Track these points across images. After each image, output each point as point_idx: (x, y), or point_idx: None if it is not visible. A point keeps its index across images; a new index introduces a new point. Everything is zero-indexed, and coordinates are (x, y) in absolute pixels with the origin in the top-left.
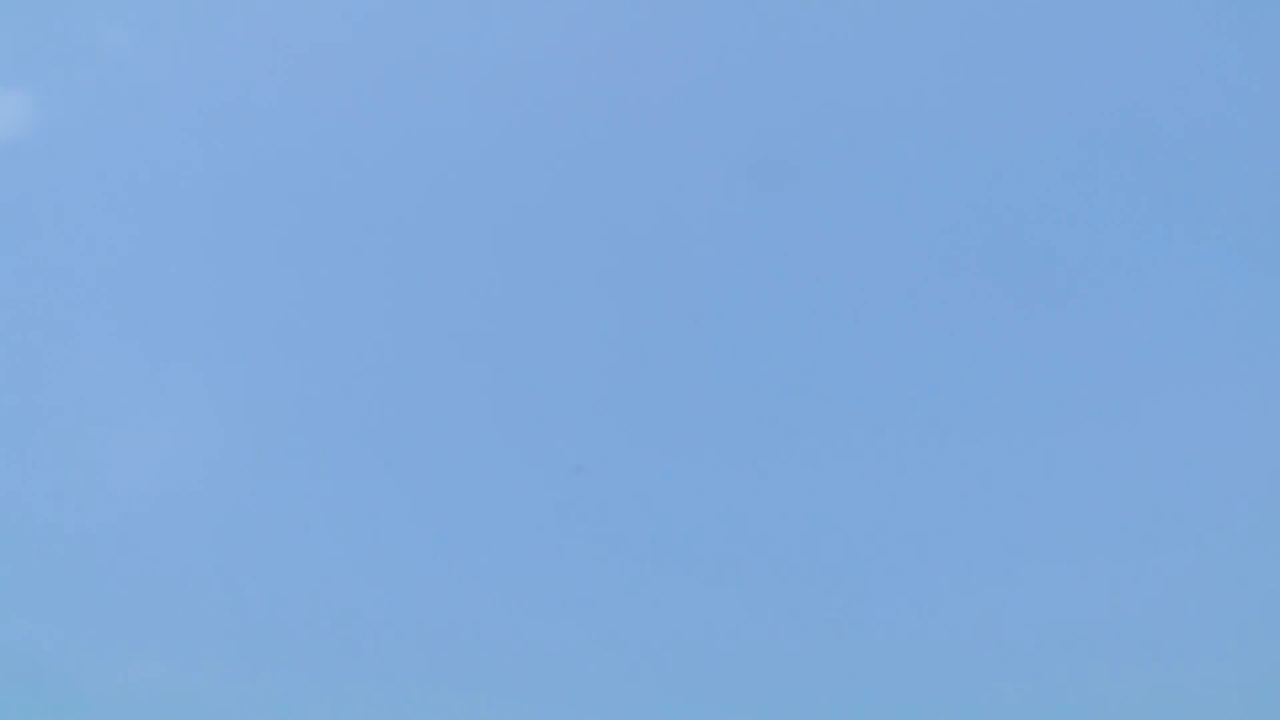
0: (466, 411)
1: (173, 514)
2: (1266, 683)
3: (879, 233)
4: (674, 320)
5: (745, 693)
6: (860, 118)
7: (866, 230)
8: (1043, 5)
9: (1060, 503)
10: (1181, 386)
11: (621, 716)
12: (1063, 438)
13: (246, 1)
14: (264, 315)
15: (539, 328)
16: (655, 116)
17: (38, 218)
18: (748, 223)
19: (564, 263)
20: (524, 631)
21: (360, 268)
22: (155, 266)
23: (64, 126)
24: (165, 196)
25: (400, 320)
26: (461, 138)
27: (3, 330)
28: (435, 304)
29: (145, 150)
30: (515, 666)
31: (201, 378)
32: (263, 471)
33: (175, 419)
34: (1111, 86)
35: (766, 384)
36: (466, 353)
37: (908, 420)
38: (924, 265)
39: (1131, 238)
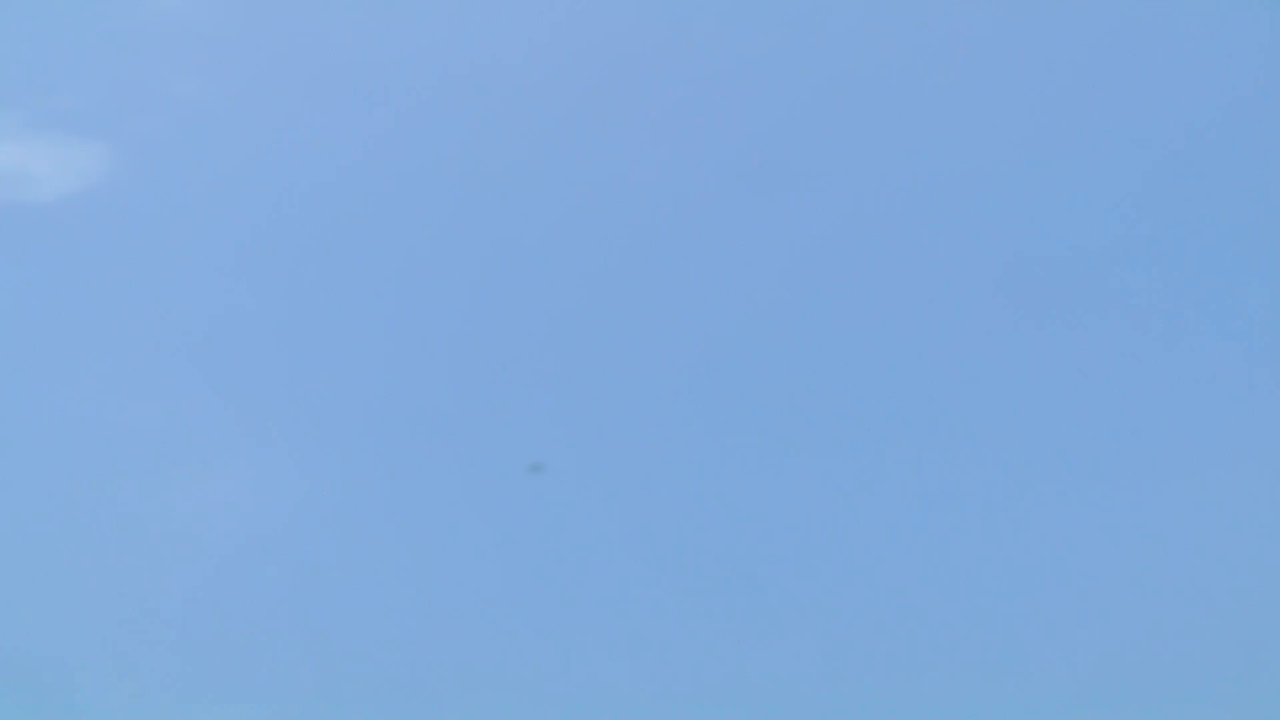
0: (439, 410)
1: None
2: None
3: (874, 239)
4: (661, 321)
5: (711, 701)
6: (858, 122)
7: (861, 237)
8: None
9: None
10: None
11: None
12: (1064, 457)
13: (316, 51)
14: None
15: (524, 329)
16: (651, 119)
17: (111, 267)
18: (742, 227)
19: (552, 265)
20: (488, 641)
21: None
22: (229, 313)
23: (136, 177)
24: (239, 247)
25: (391, 318)
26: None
27: (74, 372)
28: (425, 303)
29: (215, 200)
30: (486, 676)
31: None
32: (236, 465)
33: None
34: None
35: (752, 387)
36: (454, 353)
37: (897, 427)
38: (922, 273)
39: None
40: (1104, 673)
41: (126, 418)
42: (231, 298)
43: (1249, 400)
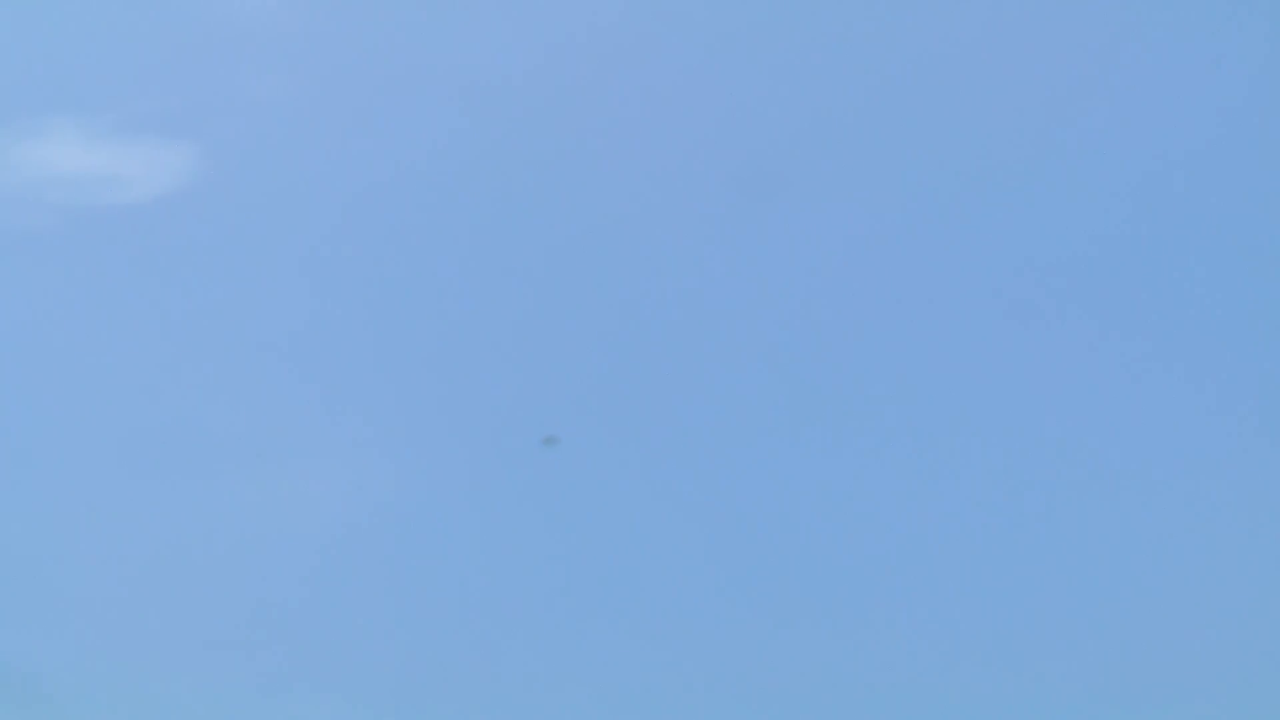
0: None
1: None
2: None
3: (864, 240)
4: (662, 317)
5: (728, 685)
6: (852, 125)
7: (851, 238)
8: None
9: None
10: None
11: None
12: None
13: (400, 53)
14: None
15: (528, 328)
16: (686, 120)
17: (197, 265)
18: (736, 229)
19: (554, 264)
20: (499, 622)
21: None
22: (314, 308)
23: (225, 177)
24: (323, 245)
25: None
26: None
27: (165, 368)
28: (435, 299)
29: (300, 200)
30: (497, 659)
31: None
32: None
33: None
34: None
35: (748, 383)
36: (466, 346)
37: (887, 418)
38: (937, 275)
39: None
40: (1121, 673)
41: (213, 414)
42: (318, 293)
43: (1249, 402)
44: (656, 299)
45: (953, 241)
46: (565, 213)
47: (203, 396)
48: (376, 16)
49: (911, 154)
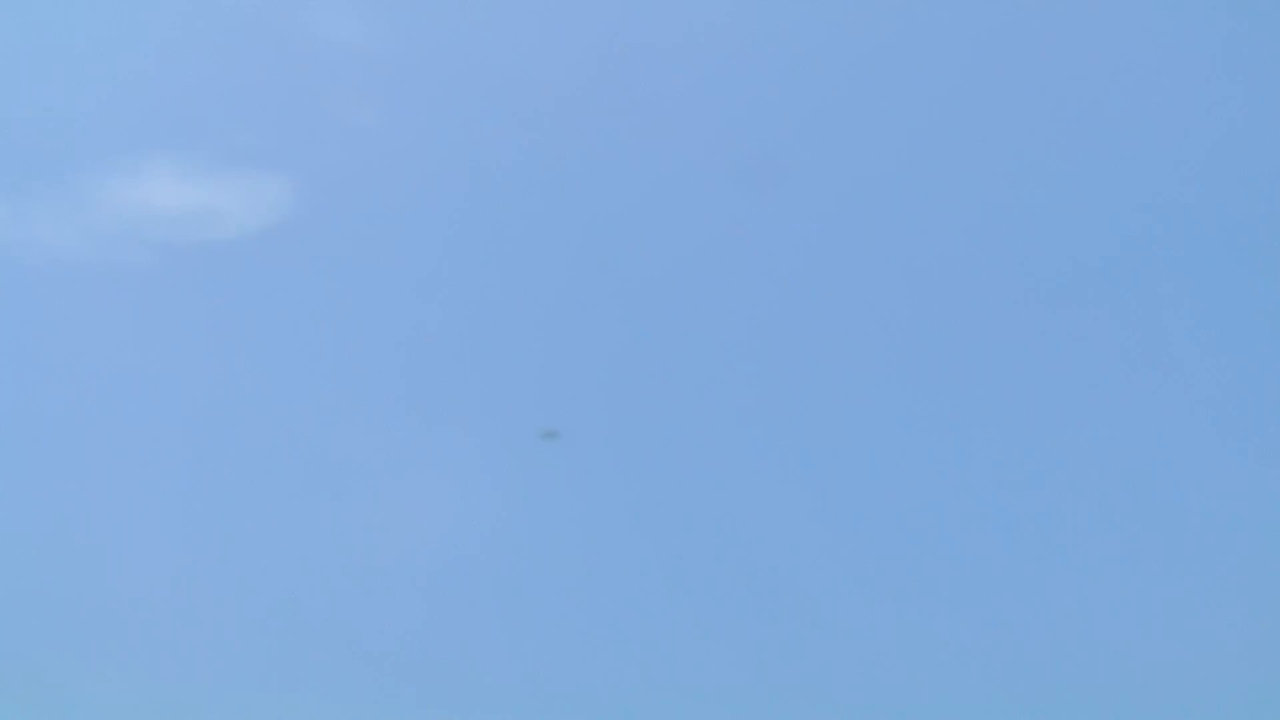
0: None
1: None
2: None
3: (860, 237)
4: (664, 312)
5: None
6: (849, 123)
7: (849, 235)
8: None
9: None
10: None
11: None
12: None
13: (487, 74)
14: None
15: (530, 323)
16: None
17: (302, 296)
18: (735, 224)
19: (556, 260)
20: (496, 619)
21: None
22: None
23: (322, 207)
24: (422, 268)
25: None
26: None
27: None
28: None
29: (397, 225)
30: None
31: None
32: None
33: None
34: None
35: (748, 379)
36: (466, 343)
37: (884, 415)
38: (911, 270)
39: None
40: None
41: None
42: (417, 316)
43: (1252, 402)
44: (672, 297)
45: (957, 240)
46: (615, 222)
47: (303, 426)
48: (469, 46)
49: (915, 154)
